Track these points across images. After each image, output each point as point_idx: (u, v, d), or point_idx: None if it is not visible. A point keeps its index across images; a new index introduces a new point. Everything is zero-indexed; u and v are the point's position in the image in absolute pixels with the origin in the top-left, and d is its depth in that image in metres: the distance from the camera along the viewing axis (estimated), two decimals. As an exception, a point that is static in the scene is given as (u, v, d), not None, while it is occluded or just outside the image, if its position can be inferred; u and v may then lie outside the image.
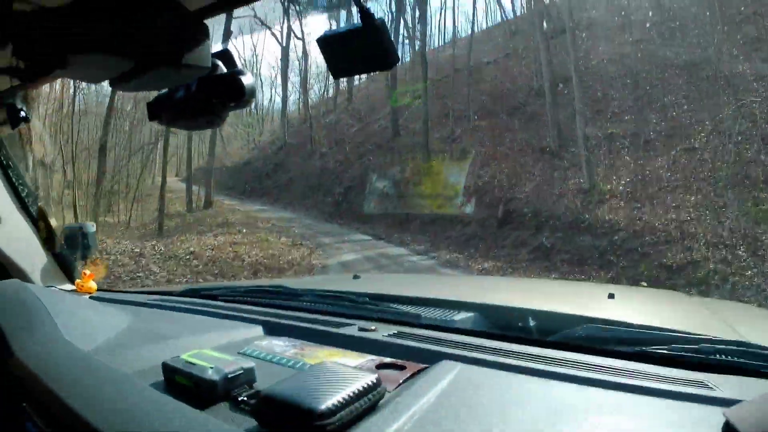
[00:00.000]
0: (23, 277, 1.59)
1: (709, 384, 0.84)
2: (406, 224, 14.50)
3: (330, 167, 19.53)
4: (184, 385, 0.81)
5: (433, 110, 17.73)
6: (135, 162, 20.85)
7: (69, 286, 1.75)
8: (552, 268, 9.87)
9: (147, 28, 0.66)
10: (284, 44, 26.52)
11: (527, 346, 1.04)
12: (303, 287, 1.68)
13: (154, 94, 0.89)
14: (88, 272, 1.72)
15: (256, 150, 30.24)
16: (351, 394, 0.68)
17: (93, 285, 1.71)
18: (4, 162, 1.59)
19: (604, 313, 1.36)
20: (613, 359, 0.97)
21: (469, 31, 23.12)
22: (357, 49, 0.76)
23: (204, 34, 0.73)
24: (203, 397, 0.77)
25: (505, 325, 1.31)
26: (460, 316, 1.33)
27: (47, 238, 1.68)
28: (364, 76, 17.51)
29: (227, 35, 17.24)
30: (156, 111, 0.87)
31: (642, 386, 0.82)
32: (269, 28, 24.12)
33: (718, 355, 0.97)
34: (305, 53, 26.76)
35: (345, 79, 26.43)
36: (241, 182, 27.07)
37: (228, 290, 1.70)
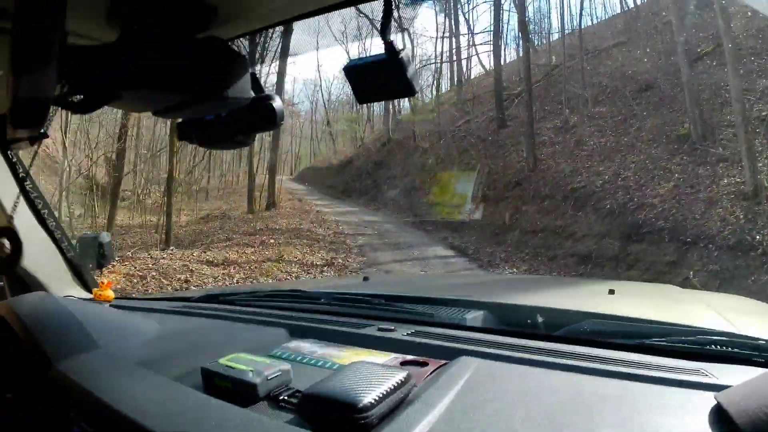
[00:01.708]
0: (41, 287, 1.59)
1: (705, 372, 0.90)
2: (502, 236, 11.87)
3: (429, 164, 18.08)
4: (225, 388, 0.86)
5: (546, 98, 15.71)
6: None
7: (86, 295, 1.74)
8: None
9: (192, 62, 0.70)
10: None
11: (537, 341, 1.10)
12: (318, 290, 1.96)
13: None
14: (105, 281, 1.72)
15: (363, 147, 29.62)
16: (386, 390, 0.74)
17: (110, 293, 1.69)
18: (21, 174, 1.63)
19: (606, 308, 1.42)
20: (616, 351, 1.03)
21: (588, 19, 20.59)
22: (381, 77, 0.80)
23: (244, 67, 0.76)
24: (244, 398, 0.83)
25: (515, 322, 1.40)
26: (472, 315, 1.39)
27: (63, 248, 1.69)
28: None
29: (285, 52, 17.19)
30: (186, 131, 0.92)
31: (644, 375, 0.89)
32: (369, 19, 23.26)
33: (713, 346, 1.02)
34: (412, 42, 25.68)
35: (454, 71, 25.87)
36: (342, 181, 26.69)
37: (247, 295, 1.74)
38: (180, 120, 0.94)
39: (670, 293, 2.32)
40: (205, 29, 0.78)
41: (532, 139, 13.28)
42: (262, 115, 0.86)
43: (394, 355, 1.05)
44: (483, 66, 26.30)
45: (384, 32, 0.76)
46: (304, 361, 1.04)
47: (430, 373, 0.94)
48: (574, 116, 14.08)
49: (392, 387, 0.76)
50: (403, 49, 0.76)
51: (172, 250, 10.72)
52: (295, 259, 10.15)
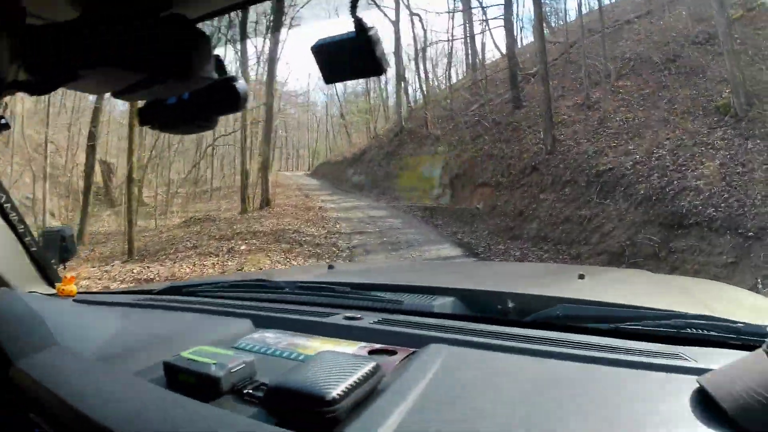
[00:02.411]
0: (3, 283, 1.51)
1: (683, 355, 0.89)
2: (517, 229, 10.29)
3: (440, 152, 16.93)
4: (188, 382, 0.83)
5: (564, 76, 14.45)
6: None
7: (50, 290, 1.68)
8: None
9: (155, 41, 0.67)
10: (395, 19, 24.52)
11: (507, 327, 1.09)
12: (282, 279, 1.80)
13: None
14: (69, 275, 1.71)
15: (377, 139, 28.36)
16: (355, 381, 0.72)
17: (74, 288, 1.66)
18: None
19: (578, 293, 1.40)
20: (591, 336, 1.02)
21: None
22: (349, 56, 0.77)
23: (207, 45, 0.73)
24: (208, 392, 0.80)
25: (485, 308, 1.37)
26: (441, 302, 1.37)
27: (26, 242, 1.63)
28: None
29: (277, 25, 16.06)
30: (147, 116, 0.88)
31: (621, 360, 0.87)
32: (377, 5, 22.14)
33: (690, 329, 1.01)
34: (422, 26, 24.65)
35: (469, 55, 24.32)
36: (354, 175, 25.87)
37: (210, 286, 1.68)
38: (141, 105, 0.88)
39: (642, 277, 2.33)
40: (168, 7, 0.72)
41: (549, 117, 11.68)
42: (225, 97, 0.81)
43: (361, 344, 1.03)
44: (498, 48, 25.28)
45: (354, 8, 0.73)
46: (269, 352, 1.02)
47: (399, 362, 0.92)
48: (596, 92, 12.66)
49: (361, 378, 0.74)
50: (372, 27, 0.72)
51: (114, 265, 9.62)
52: (260, 271, 8.96)
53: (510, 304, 1.31)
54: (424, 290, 1.47)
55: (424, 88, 23.86)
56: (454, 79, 25.23)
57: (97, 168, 17.43)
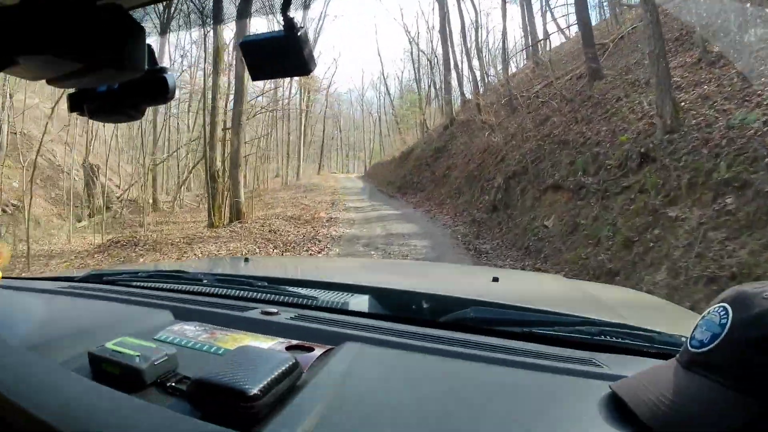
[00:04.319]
0: None
1: (595, 361, 0.90)
2: (635, 277, 5.21)
3: (495, 144, 12.88)
4: (112, 374, 0.83)
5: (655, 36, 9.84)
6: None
7: None
8: None
9: (90, 30, 0.68)
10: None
11: (422, 327, 1.10)
12: (199, 270, 1.88)
13: None
14: None
15: (428, 134, 25.58)
16: (275, 378, 0.72)
17: None
18: None
19: (492, 296, 1.39)
20: (504, 339, 1.03)
21: None
22: (278, 55, 0.79)
23: (142, 36, 0.74)
24: (132, 384, 0.80)
25: (399, 308, 1.38)
26: (357, 299, 1.37)
27: None
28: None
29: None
30: (77, 102, 0.88)
31: (533, 363, 0.88)
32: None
33: (603, 336, 1.03)
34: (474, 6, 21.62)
35: (528, 34, 20.74)
36: (399, 176, 22.77)
37: (131, 275, 1.68)
38: (71, 91, 0.90)
39: (556, 283, 2.33)
40: None
41: (666, 74, 6.95)
42: (154, 88, 0.83)
43: (278, 339, 1.02)
44: (560, 30, 21.38)
45: (285, 8, 0.75)
46: (189, 345, 1.00)
47: (316, 359, 0.92)
48: (714, 45, 8.14)
49: (280, 374, 0.73)
50: (302, 27, 0.75)
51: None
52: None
53: (424, 305, 1.33)
54: (341, 287, 1.47)
55: (477, 72, 20.07)
56: (512, 69, 21.20)
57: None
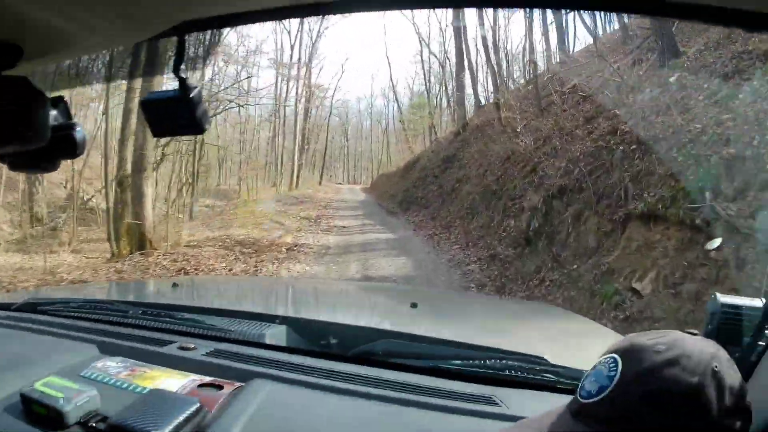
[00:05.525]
0: None
1: (495, 400, 0.92)
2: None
3: (520, 152, 9.67)
4: (40, 414, 0.89)
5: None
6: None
7: None
8: None
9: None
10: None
11: (331, 362, 1.13)
12: (127, 299, 1.98)
13: None
14: None
15: (436, 142, 23.03)
16: (180, 422, 0.80)
17: None
18: None
19: (405, 326, 1.43)
20: (410, 374, 1.06)
21: None
22: (173, 113, 0.79)
23: (45, 104, 0.73)
24: (58, 424, 0.86)
25: (312, 339, 1.37)
26: (271, 331, 1.37)
27: None
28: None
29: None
30: None
31: (437, 404, 0.91)
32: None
33: (507, 371, 1.03)
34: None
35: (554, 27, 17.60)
36: (402, 189, 19.78)
37: (62, 305, 1.67)
38: None
39: (478, 305, 2.33)
40: (10, 66, 0.72)
41: None
42: (63, 145, 0.83)
43: (192, 377, 1.06)
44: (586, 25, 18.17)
45: (177, 69, 0.74)
46: (111, 383, 1.05)
47: (225, 398, 0.95)
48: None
49: (183, 420, 0.80)
50: (195, 87, 0.76)
51: None
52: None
53: (333, 340, 1.32)
54: (258, 317, 1.47)
55: (493, 61, 17.05)
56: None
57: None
